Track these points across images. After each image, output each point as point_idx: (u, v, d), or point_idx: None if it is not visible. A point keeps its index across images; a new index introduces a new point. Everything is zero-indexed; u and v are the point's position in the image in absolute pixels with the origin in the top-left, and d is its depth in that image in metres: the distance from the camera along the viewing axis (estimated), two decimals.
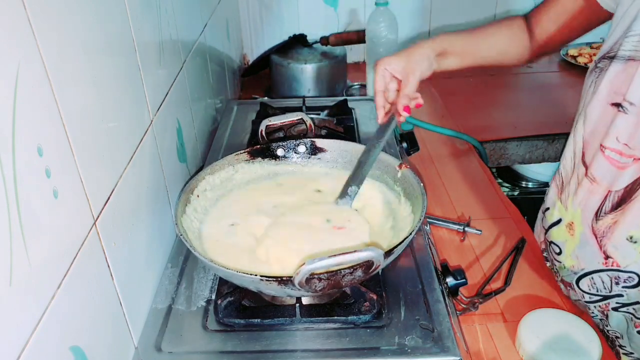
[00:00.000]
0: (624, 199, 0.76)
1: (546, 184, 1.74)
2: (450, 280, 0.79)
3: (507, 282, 0.90)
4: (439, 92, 1.61)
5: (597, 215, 0.80)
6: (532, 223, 1.05)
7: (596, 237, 0.81)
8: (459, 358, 0.63)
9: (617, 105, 0.74)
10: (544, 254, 0.96)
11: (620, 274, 0.79)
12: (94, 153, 0.58)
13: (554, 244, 0.90)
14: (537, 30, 0.93)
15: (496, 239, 1.01)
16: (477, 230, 1.01)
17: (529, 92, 1.64)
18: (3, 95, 0.42)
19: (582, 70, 1.72)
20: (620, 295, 0.81)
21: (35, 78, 0.47)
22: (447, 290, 0.78)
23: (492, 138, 1.40)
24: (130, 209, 0.68)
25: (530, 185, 1.75)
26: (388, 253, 0.63)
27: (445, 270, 0.80)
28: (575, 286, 0.86)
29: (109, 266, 0.60)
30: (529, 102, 1.58)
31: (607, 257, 0.80)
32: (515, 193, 1.76)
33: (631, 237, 0.76)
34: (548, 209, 0.93)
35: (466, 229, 1.01)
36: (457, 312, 0.80)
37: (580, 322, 0.77)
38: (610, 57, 0.75)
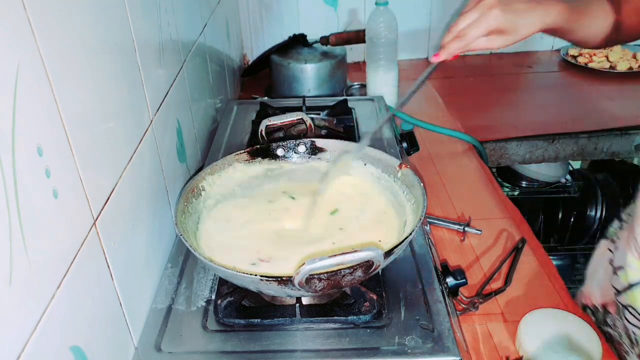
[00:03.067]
0: None
1: (546, 184, 1.74)
2: (450, 280, 0.79)
3: (507, 282, 0.90)
4: (439, 92, 1.61)
5: None
6: (532, 223, 1.04)
7: None
8: (459, 358, 0.63)
9: None
10: (606, 319, 0.84)
11: None
12: (94, 153, 0.58)
13: (634, 309, 0.79)
14: (634, 10, 0.81)
15: (496, 239, 1.01)
16: (477, 230, 1.01)
17: (529, 92, 1.64)
18: (3, 95, 0.42)
19: (582, 70, 1.72)
20: None
21: (35, 78, 0.47)
22: (447, 290, 0.78)
23: (492, 138, 1.40)
24: (130, 209, 0.68)
25: (530, 185, 1.75)
26: (388, 253, 0.63)
27: (445, 270, 0.80)
28: None
29: (108, 266, 0.60)
30: (529, 102, 1.58)
31: None
32: (515, 193, 1.76)
33: None
34: (621, 267, 0.81)
35: (466, 229, 1.01)
36: (457, 312, 0.80)
37: (580, 322, 0.77)
38: None
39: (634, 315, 0.79)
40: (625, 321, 0.81)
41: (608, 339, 0.84)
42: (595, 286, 0.89)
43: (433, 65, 0.79)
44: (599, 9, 0.82)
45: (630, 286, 0.80)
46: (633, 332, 0.80)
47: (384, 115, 0.82)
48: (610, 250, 0.87)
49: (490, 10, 0.73)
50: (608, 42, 0.86)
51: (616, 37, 0.84)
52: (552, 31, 0.79)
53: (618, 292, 0.82)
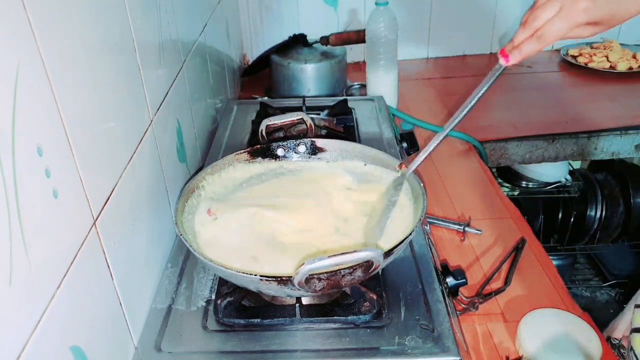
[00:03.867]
0: None
1: (546, 184, 1.74)
2: (450, 280, 0.79)
3: (507, 282, 0.90)
4: (439, 92, 1.61)
5: None
6: (532, 223, 1.04)
7: None
8: (459, 358, 0.63)
9: None
10: (621, 352, 0.83)
11: None
12: (94, 153, 0.58)
13: (633, 352, 0.78)
14: None
15: (496, 239, 1.01)
16: (477, 230, 1.01)
17: (529, 92, 1.64)
18: (3, 95, 0.42)
19: (582, 70, 1.72)
20: None
21: (35, 78, 0.47)
22: (447, 290, 0.78)
23: (492, 138, 1.40)
24: (130, 209, 0.68)
25: (530, 185, 1.75)
26: (387, 253, 0.63)
27: (445, 270, 0.80)
28: None
29: (108, 266, 0.60)
30: (529, 102, 1.58)
31: None
32: (515, 193, 1.76)
33: None
34: (639, 307, 0.80)
35: (466, 229, 1.01)
36: (457, 312, 0.80)
37: (580, 322, 0.77)
38: None
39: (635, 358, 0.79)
40: None
41: (611, 344, 0.83)
42: (621, 320, 0.88)
43: (501, 69, 0.69)
44: None
45: (637, 330, 0.79)
46: None
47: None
48: None
49: (576, 2, 0.61)
50: None
51: None
52: None
53: (632, 331, 0.81)
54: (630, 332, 0.82)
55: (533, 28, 0.64)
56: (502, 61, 0.68)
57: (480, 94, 0.70)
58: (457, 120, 0.71)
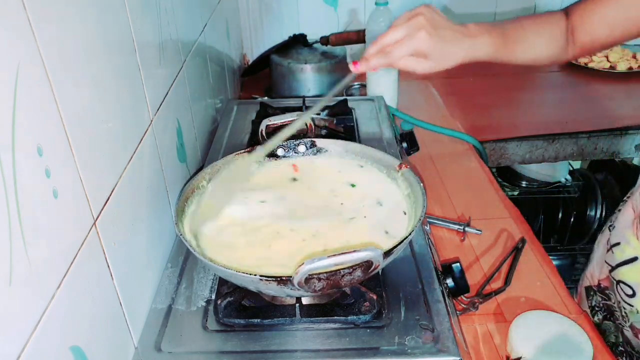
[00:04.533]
0: None
1: (546, 184, 1.74)
2: (450, 282, 0.79)
3: (507, 282, 0.90)
4: (439, 92, 1.61)
5: None
6: (532, 223, 1.04)
7: None
8: (459, 358, 0.63)
9: None
10: (593, 292, 0.88)
11: None
12: (94, 153, 0.58)
13: (625, 284, 0.82)
14: (581, 30, 0.81)
15: (496, 239, 1.01)
16: (477, 230, 1.01)
17: (529, 92, 1.64)
18: (3, 95, 0.42)
19: (582, 70, 1.72)
20: None
21: (35, 78, 0.47)
22: (448, 290, 0.78)
23: (492, 138, 1.40)
24: (130, 209, 0.68)
25: (530, 185, 1.75)
26: (387, 253, 0.63)
27: (446, 270, 0.80)
28: None
29: (109, 266, 0.60)
30: (529, 102, 1.58)
31: None
32: (515, 193, 1.76)
33: None
34: (618, 244, 0.84)
35: (466, 229, 1.01)
36: (457, 312, 0.80)
37: (571, 324, 0.77)
38: None
39: (624, 291, 0.83)
40: (618, 295, 0.85)
41: (608, 315, 0.84)
42: (595, 265, 0.93)
43: (352, 76, 0.77)
44: (542, 29, 0.81)
45: (625, 262, 0.83)
46: (623, 307, 0.84)
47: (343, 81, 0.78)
48: (608, 230, 0.90)
49: (418, 31, 0.72)
50: (556, 59, 0.85)
51: (567, 54, 0.83)
52: (485, 60, 0.79)
53: (612, 268, 0.85)
54: (612, 270, 0.85)
55: (381, 45, 0.75)
56: (352, 68, 0.77)
57: (332, 94, 0.77)
58: (309, 113, 0.81)
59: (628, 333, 0.84)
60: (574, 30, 0.82)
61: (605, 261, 0.88)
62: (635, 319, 0.83)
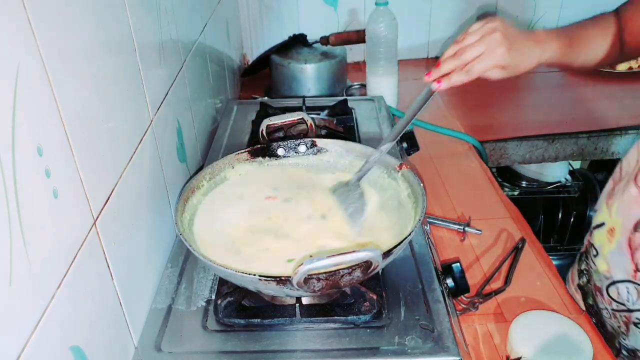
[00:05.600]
0: None
1: (546, 184, 1.74)
2: (450, 282, 0.79)
3: (507, 282, 0.90)
4: (439, 93, 1.61)
5: (636, 227, 0.80)
6: (532, 223, 1.04)
7: (630, 249, 0.81)
8: (459, 358, 0.63)
9: None
10: (583, 257, 0.96)
11: None
12: (94, 153, 0.58)
13: (594, 246, 0.90)
14: (627, 31, 0.85)
15: (496, 239, 1.01)
16: (477, 230, 1.01)
17: (529, 92, 1.64)
18: (3, 95, 0.42)
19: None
20: None
21: (35, 78, 0.47)
22: (448, 290, 0.78)
23: (492, 138, 1.40)
24: (130, 209, 0.68)
25: (530, 185, 1.75)
26: (387, 253, 0.63)
27: (446, 270, 0.80)
28: (605, 292, 0.86)
29: (109, 266, 0.60)
30: (529, 102, 1.58)
31: (637, 269, 0.80)
32: (515, 193, 1.76)
33: None
34: (597, 211, 0.93)
35: (466, 229, 1.01)
36: (457, 312, 0.80)
37: (571, 324, 0.77)
38: None
39: (592, 253, 0.91)
40: (590, 259, 0.92)
41: (588, 278, 0.91)
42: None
43: (431, 94, 0.79)
44: (597, 32, 0.86)
45: (596, 227, 0.91)
46: (591, 267, 0.92)
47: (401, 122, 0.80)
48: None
49: (497, 48, 0.75)
50: (610, 61, 0.89)
51: (619, 56, 0.88)
52: (549, 65, 0.84)
53: (590, 234, 0.93)
54: (591, 233, 0.92)
55: (462, 61, 0.76)
56: (434, 86, 0.78)
57: (413, 116, 0.79)
58: (392, 143, 0.80)
59: (589, 293, 0.92)
60: (623, 30, 0.86)
61: (588, 238, 0.95)
62: (596, 278, 0.90)
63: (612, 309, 0.86)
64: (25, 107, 0.45)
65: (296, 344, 0.66)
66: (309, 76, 1.50)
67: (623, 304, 0.84)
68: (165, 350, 0.66)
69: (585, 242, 0.96)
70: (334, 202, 0.80)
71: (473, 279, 0.91)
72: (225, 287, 0.74)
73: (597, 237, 0.90)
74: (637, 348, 0.84)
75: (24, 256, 0.43)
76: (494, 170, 1.61)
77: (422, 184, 0.76)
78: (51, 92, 0.50)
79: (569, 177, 1.75)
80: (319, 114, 1.19)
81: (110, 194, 0.62)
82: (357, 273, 0.61)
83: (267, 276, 0.60)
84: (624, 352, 0.87)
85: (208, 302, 0.73)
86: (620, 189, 0.85)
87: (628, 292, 0.82)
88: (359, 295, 0.71)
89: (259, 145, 0.90)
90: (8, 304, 0.41)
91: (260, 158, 0.90)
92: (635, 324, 0.83)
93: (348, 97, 1.30)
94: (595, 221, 0.91)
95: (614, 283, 0.84)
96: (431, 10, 1.79)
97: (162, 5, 0.86)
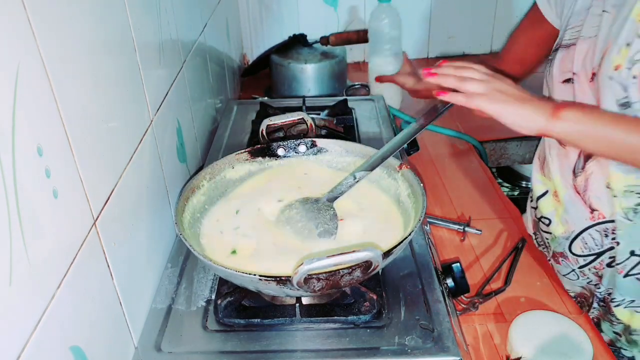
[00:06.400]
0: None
1: None
2: (450, 282, 0.79)
3: (507, 282, 0.90)
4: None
5: (575, 172, 0.86)
6: None
7: (579, 193, 0.86)
8: (459, 358, 0.63)
9: (568, 80, 0.85)
10: (536, 240, 1.00)
11: (608, 224, 0.83)
12: (94, 153, 0.58)
13: (544, 217, 0.94)
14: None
15: (496, 239, 1.01)
16: (477, 230, 1.01)
17: (528, 92, 1.64)
18: (3, 95, 0.42)
19: None
20: (612, 248, 0.84)
21: (35, 78, 0.47)
22: (448, 290, 0.78)
23: (492, 138, 1.40)
24: (130, 209, 0.68)
25: (530, 185, 1.75)
26: (387, 253, 0.63)
27: (446, 270, 0.80)
28: (568, 252, 0.90)
29: (109, 266, 0.60)
30: None
31: (592, 210, 0.85)
32: (515, 193, 1.76)
33: (609, 184, 0.80)
34: (531, 189, 1.00)
35: (466, 229, 1.01)
36: (457, 312, 0.80)
37: (571, 324, 0.77)
38: (556, 49, 0.88)
39: (544, 223, 0.95)
40: (541, 232, 0.97)
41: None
42: (526, 220, 1.07)
43: (445, 107, 0.82)
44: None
45: (538, 198, 0.96)
46: (546, 239, 0.97)
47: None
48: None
49: (495, 94, 0.81)
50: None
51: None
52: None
53: (533, 210, 0.99)
54: (534, 209, 0.99)
55: (464, 89, 0.78)
56: (442, 97, 0.80)
57: (396, 149, 0.80)
58: (368, 172, 0.80)
59: (556, 266, 0.96)
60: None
61: (533, 209, 1.01)
62: (554, 244, 0.94)
63: (580, 266, 0.90)
64: (25, 107, 0.45)
65: (296, 344, 0.66)
66: (309, 76, 1.50)
67: (589, 254, 0.88)
68: (165, 350, 0.66)
69: (531, 221, 1.02)
70: (296, 214, 0.79)
71: (473, 279, 0.91)
72: (225, 287, 0.74)
73: (545, 206, 0.95)
74: (611, 288, 0.86)
75: (24, 256, 0.43)
76: (494, 170, 1.61)
77: (422, 184, 0.76)
78: (51, 92, 0.50)
79: None
80: (319, 114, 1.19)
81: (110, 194, 0.62)
82: (357, 273, 0.61)
83: (267, 276, 0.60)
84: (595, 304, 0.91)
85: (208, 302, 0.73)
86: (548, 154, 0.91)
87: (593, 238, 0.87)
88: (359, 295, 0.71)
89: (259, 145, 0.90)
90: (8, 304, 0.41)
91: (260, 158, 0.90)
92: (609, 264, 0.86)
93: (348, 97, 1.30)
94: (537, 193, 0.96)
95: (576, 237, 0.89)
96: (431, 10, 1.79)
97: (162, 5, 0.86)
